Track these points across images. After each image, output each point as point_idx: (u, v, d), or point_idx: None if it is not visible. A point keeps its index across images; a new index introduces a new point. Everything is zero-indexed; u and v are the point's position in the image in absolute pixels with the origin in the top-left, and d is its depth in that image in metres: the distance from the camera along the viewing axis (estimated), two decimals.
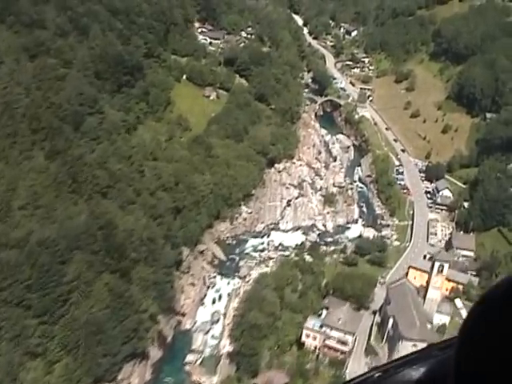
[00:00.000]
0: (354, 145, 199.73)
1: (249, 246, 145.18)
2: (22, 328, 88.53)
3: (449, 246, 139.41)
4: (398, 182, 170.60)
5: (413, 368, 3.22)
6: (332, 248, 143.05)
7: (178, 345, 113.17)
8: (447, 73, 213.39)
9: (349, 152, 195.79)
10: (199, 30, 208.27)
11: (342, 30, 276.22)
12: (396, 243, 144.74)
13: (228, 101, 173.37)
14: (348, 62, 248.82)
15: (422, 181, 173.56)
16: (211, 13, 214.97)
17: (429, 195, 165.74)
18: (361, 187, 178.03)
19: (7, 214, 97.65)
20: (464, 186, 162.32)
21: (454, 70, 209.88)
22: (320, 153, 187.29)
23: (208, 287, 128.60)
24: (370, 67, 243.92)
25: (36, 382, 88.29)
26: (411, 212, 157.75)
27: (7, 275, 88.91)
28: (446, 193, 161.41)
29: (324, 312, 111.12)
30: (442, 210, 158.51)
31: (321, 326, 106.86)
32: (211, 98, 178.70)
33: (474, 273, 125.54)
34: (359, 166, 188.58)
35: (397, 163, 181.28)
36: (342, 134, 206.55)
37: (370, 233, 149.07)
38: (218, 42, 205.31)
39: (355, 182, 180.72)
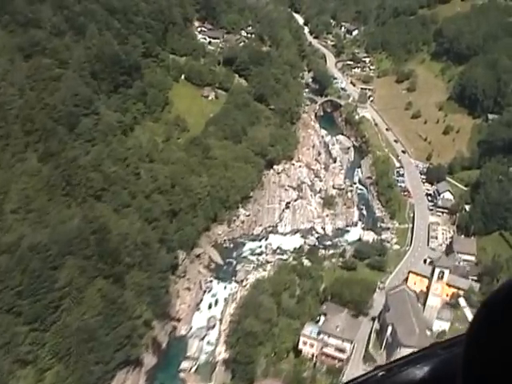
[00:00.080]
0: (354, 146, 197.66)
1: (246, 250, 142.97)
2: (12, 335, 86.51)
3: (449, 250, 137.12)
4: (399, 184, 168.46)
5: (416, 367, 3.23)
6: (331, 252, 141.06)
7: (172, 351, 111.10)
8: (449, 73, 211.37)
9: (349, 153, 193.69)
10: (198, 29, 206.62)
11: (342, 29, 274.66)
12: (396, 247, 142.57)
13: (226, 101, 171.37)
14: (349, 62, 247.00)
15: (423, 183, 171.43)
16: (211, 12, 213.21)
17: (430, 198, 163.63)
18: (361, 189, 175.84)
19: None
20: (465, 189, 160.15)
21: (455, 71, 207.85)
22: (320, 154, 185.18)
23: (204, 292, 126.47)
24: (371, 67, 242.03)
25: None
26: (412, 215, 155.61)
27: None
28: (447, 195, 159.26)
29: (322, 318, 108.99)
30: (442, 212, 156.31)
31: (318, 333, 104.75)
32: (210, 98, 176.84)
33: (475, 278, 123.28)
34: (359, 167, 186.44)
35: (397, 165, 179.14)
36: (343, 134, 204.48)
37: (369, 236, 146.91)
38: (218, 41, 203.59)
39: (355, 183, 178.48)
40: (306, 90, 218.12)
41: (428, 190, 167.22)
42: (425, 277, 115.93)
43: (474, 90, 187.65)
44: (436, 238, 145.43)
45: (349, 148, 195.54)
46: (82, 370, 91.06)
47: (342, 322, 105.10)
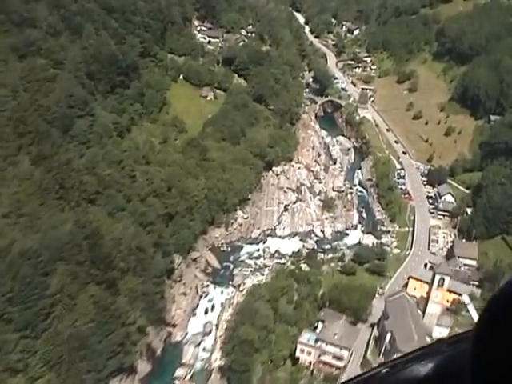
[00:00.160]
0: (354, 147, 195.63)
1: (244, 253, 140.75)
2: (3, 343, 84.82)
3: (450, 254, 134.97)
4: (399, 187, 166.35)
5: (421, 364, 3.24)
6: (330, 256, 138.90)
7: (167, 358, 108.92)
8: (451, 73, 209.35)
9: (349, 154, 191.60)
10: (198, 29, 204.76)
11: (343, 28, 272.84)
12: (396, 251, 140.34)
13: (225, 101, 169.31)
14: (350, 62, 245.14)
15: (424, 185, 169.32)
16: (211, 11, 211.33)
17: (430, 200, 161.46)
18: (361, 191, 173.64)
19: None
20: (467, 191, 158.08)
21: (457, 71, 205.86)
22: (320, 155, 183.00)
23: (200, 297, 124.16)
24: (372, 67, 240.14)
25: None
26: (412, 218, 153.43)
27: None
28: (449, 198, 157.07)
29: (320, 325, 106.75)
30: (444, 216, 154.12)
31: (316, 341, 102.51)
32: (208, 98, 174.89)
33: (477, 283, 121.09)
34: (359, 169, 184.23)
35: (398, 166, 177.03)
36: (343, 135, 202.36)
37: (369, 240, 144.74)
38: (217, 40, 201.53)
39: (355, 185, 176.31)
40: (307, 89, 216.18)
41: (429, 192, 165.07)
42: (425, 282, 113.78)
43: (476, 91, 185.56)
44: (437, 241, 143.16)
45: (349, 149, 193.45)
46: (74, 378, 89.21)
47: (340, 330, 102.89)
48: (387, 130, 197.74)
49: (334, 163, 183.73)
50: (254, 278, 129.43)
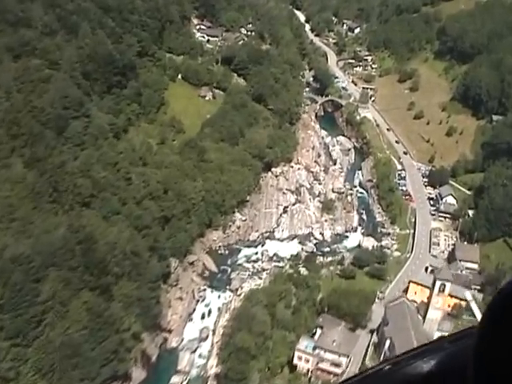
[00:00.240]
0: (354, 147, 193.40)
1: (242, 257, 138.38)
2: None
3: (452, 257, 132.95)
4: (400, 188, 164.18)
5: (423, 360, 3.25)
6: (329, 259, 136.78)
7: (163, 365, 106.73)
8: (452, 72, 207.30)
9: (349, 155, 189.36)
10: (197, 27, 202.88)
11: (344, 26, 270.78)
12: (396, 254, 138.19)
13: (224, 101, 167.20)
14: (350, 60, 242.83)
15: (425, 186, 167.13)
16: (210, 9, 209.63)
17: (432, 202, 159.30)
18: (361, 192, 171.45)
19: None
20: (469, 193, 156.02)
21: (459, 70, 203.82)
22: (319, 156, 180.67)
23: (197, 301, 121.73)
24: (373, 66, 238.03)
25: None
26: (413, 220, 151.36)
27: None
28: (450, 200, 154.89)
29: (318, 331, 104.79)
30: (445, 218, 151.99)
31: (314, 348, 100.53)
32: (207, 98, 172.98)
33: (479, 287, 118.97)
34: (360, 169, 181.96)
35: (399, 167, 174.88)
36: (343, 135, 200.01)
37: (369, 242, 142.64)
38: (216, 39, 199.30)
39: (355, 187, 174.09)
40: (307, 89, 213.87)
41: (430, 193, 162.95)
42: (426, 287, 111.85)
43: (478, 91, 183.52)
44: (438, 244, 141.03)
45: (349, 149, 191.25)
46: None
47: (339, 336, 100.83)
48: (388, 129, 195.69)
49: (334, 164, 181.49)
50: (251, 282, 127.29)
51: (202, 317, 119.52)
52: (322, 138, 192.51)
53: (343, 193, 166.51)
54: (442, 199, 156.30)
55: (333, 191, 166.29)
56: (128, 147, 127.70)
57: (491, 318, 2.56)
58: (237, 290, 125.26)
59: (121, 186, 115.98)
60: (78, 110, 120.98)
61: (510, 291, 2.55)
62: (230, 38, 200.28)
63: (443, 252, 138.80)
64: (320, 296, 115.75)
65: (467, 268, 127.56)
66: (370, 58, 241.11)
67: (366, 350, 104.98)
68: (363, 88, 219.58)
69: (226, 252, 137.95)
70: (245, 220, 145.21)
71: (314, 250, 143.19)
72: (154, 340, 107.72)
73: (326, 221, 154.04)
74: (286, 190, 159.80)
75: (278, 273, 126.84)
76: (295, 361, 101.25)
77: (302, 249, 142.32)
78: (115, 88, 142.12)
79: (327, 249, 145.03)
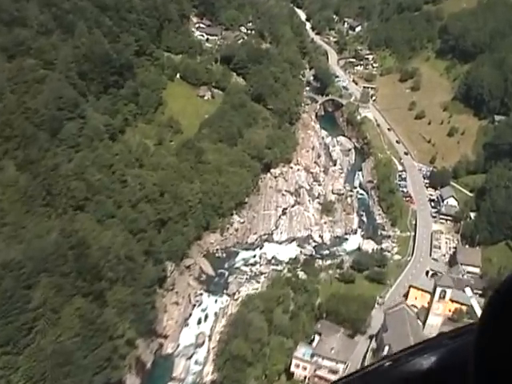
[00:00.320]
0: (355, 147, 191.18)
1: (239, 260, 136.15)
2: None
3: (453, 261, 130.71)
4: (401, 189, 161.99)
5: (423, 357, 3.26)
6: (328, 262, 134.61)
7: (158, 371, 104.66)
8: (454, 71, 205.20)
9: (350, 155, 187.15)
10: (196, 26, 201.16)
11: (345, 25, 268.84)
12: (397, 257, 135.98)
13: (223, 101, 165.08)
14: (351, 59, 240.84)
15: (426, 187, 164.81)
16: (209, 7, 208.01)
17: (433, 204, 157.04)
18: (361, 194, 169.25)
19: None
20: (470, 194, 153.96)
21: (461, 69, 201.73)
22: (319, 156, 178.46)
23: (194, 306, 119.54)
24: (374, 65, 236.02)
25: None
26: (414, 222, 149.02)
27: None
28: (452, 201, 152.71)
29: (316, 338, 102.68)
30: (446, 220, 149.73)
31: (312, 356, 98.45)
32: (206, 97, 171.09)
33: (480, 292, 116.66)
34: (360, 170, 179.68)
35: (400, 168, 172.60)
36: (344, 135, 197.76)
37: (369, 245, 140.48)
38: (216, 38, 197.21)
39: (355, 188, 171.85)
40: (307, 88, 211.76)
41: (431, 195, 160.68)
42: (426, 292, 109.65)
43: (480, 90, 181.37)
44: (439, 247, 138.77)
45: (350, 150, 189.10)
46: None
47: (338, 344, 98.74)
48: (389, 129, 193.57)
49: (334, 164, 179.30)
50: (249, 286, 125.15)
51: (199, 322, 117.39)
52: (322, 138, 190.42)
53: (343, 194, 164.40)
54: (443, 201, 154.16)
55: (332, 192, 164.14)
56: (124, 149, 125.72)
57: (492, 314, 2.55)
58: (234, 294, 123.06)
59: (116, 189, 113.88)
60: (72, 111, 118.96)
61: (510, 286, 2.54)
62: (229, 37, 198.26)
63: (444, 255, 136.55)
64: (318, 301, 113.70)
65: (469, 272, 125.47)
66: (370, 57, 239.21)
67: (365, 357, 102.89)
68: (364, 87, 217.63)
69: (224, 255, 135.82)
70: (243, 222, 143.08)
71: (313, 253, 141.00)
72: (148, 346, 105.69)
73: (325, 223, 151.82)
74: (285, 191, 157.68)
75: (276, 277, 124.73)
76: (292, 368, 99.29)
77: (301, 252, 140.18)
78: (112, 88, 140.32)
79: (326, 252, 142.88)
